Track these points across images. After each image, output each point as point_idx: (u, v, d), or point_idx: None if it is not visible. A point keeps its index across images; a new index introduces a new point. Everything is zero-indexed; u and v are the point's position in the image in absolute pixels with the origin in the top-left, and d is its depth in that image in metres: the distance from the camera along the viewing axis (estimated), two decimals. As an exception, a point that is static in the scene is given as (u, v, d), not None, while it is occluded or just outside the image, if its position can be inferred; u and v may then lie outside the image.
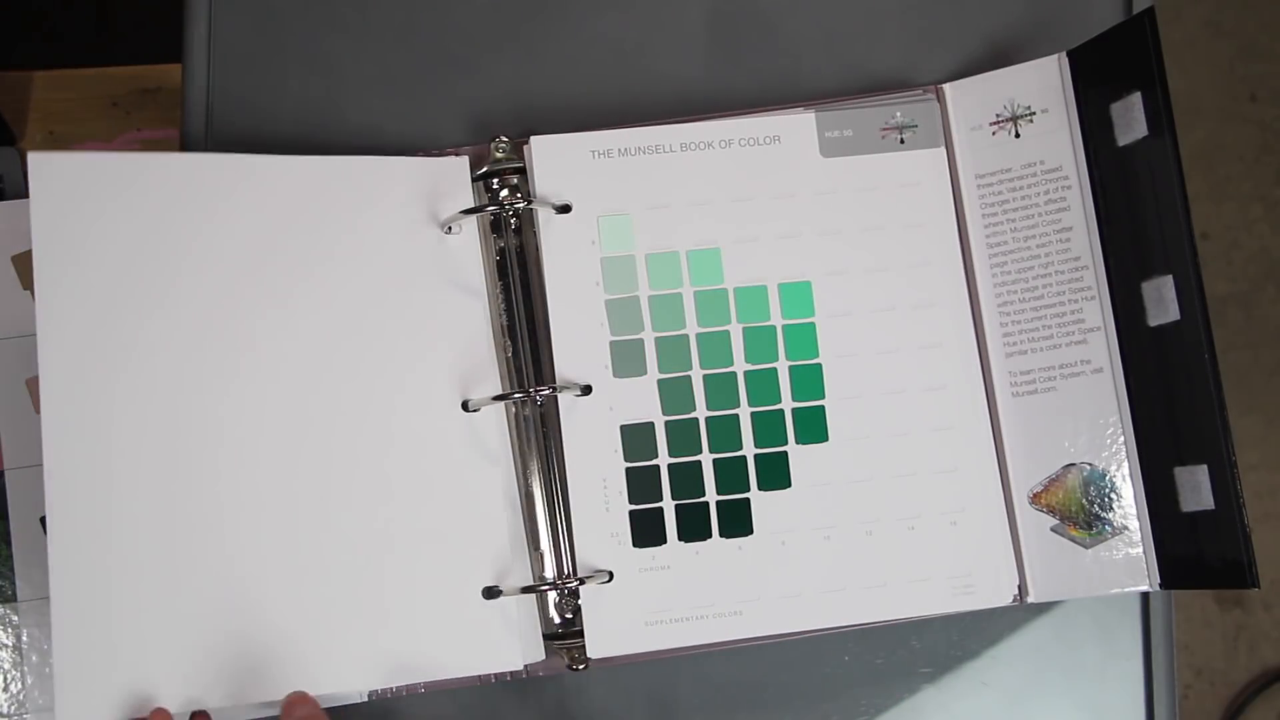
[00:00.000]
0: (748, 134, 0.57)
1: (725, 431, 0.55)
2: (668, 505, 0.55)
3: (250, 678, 0.52)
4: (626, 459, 0.55)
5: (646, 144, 0.56)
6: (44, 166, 0.51)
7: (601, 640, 0.53)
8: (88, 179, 0.52)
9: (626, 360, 0.55)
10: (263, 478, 0.53)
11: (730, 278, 0.56)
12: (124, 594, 0.51)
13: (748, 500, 0.55)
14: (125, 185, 0.52)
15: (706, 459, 0.55)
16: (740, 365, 0.56)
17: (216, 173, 0.54)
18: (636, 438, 0.55)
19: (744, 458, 0.55)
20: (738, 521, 0.55)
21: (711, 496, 0.55)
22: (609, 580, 0.54)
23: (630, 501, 0.54)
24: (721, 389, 0.55)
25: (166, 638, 0.51)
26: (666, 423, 0.55)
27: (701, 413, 0.55)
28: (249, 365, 0.53)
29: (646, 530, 0.54)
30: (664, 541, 0.54)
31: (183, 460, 0.52)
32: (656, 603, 0.54)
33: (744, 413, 0.55)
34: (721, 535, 0.55)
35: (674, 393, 0.55)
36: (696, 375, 0.55)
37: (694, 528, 0.55)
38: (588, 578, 0.53)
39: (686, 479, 0.55)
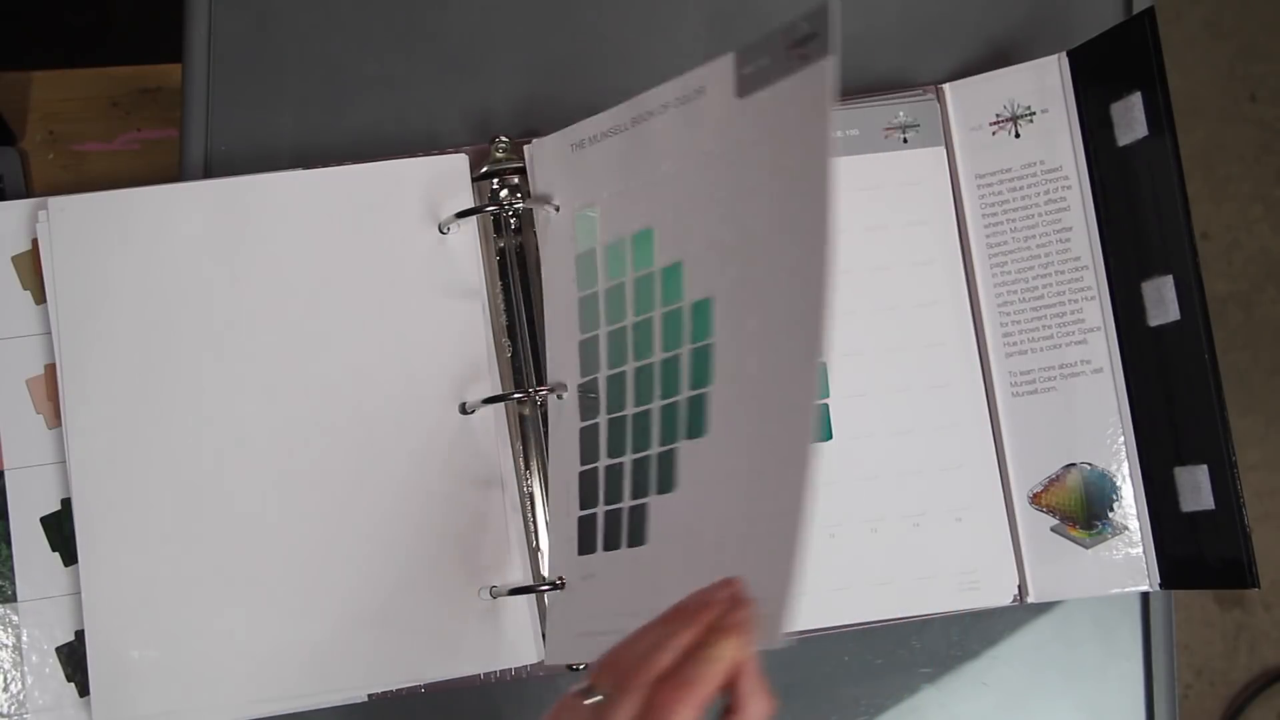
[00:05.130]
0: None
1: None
2: (600, 510, 0.51)
3: (261, 681, 0.52)
4: (582, 462, 0.52)
5: (622, 122, 0.52)
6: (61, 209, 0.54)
7: (554, 648, 0.52)
8: (102, 216, 0.54)
9: (589, 358, 0.53)
10: (269, 483, 0.53)
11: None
12: (143, 600, 0.52)
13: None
14: (136, 217, 0.54)
15: None
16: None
17: (219, 196, 0.55)
18: (589, 440, 0.52)
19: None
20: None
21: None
22: (557, 588, 0.52)
23: (581, 507, 0.52)
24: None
25: (184, 647, 0.52)
26: (632, 417, 0.51)
27: None
28: (252, 373, 0.54)
29: (588, 537, 0.51)
30: (616, 547, 0.50)
31: (193, 469, 0.53)
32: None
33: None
34: None
35: (632, 386, 0.51)
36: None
37: None
38: (554, 584, 0.52)
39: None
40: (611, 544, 0.50)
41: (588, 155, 0.53)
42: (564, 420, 0.53)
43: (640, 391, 0.50)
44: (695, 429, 0.47)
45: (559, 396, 0.54)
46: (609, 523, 0.50)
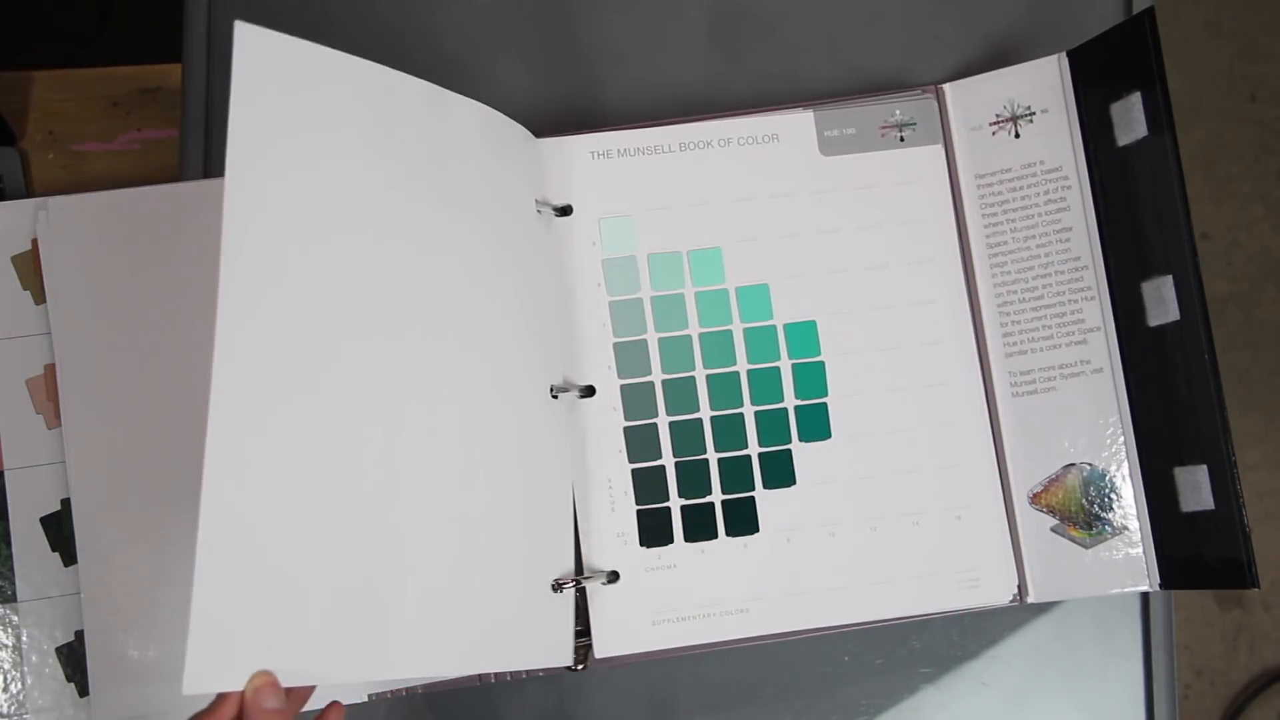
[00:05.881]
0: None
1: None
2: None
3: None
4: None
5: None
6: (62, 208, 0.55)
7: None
8: (102, 216, 0.54)
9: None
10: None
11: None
12: (143, 600, 0.52)
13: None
14: (136, 217, 0.54)
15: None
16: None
17: (219, 196, 0.54)
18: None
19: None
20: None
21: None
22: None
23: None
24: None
25: (184, 647, 0.51)
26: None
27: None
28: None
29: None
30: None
31: (192, 468, 0.51)
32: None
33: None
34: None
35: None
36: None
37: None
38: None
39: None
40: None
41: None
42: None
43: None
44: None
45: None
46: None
